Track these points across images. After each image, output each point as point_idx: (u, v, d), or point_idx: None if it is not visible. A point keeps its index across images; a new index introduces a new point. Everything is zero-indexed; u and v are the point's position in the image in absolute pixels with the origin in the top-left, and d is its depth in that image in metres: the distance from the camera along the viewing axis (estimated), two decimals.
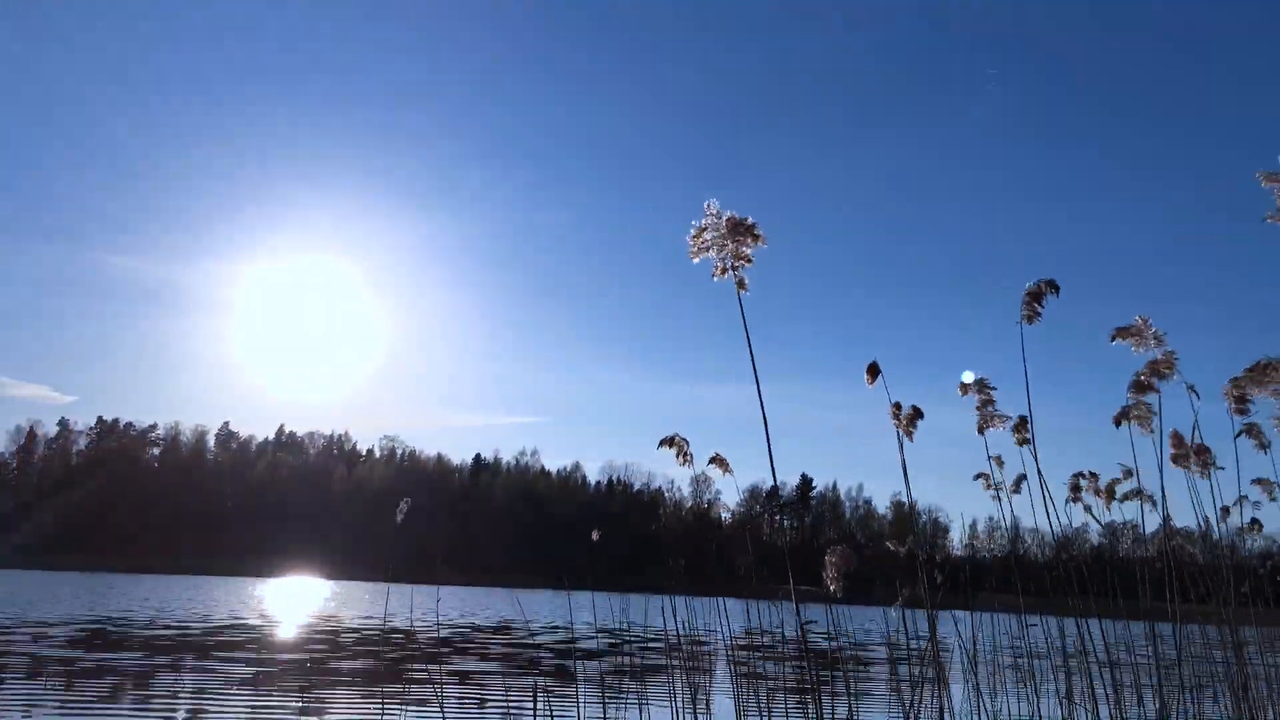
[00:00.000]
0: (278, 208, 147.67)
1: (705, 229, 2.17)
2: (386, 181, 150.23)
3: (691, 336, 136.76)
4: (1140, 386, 3.26)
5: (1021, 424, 3.48)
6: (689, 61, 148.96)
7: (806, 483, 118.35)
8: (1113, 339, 3.15)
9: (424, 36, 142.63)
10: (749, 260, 2.15)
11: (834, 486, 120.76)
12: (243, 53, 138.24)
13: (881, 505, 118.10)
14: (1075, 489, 3.80)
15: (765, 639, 5.61)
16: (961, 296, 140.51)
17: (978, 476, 4.33)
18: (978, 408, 3.41)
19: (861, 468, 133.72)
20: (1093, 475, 3.83)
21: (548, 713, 8.08)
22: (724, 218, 2.16)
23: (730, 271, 2.15)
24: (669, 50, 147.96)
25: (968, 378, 3.28)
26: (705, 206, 2.17)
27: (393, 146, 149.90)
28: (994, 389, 3.45)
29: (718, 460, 4.01)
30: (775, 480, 2.47)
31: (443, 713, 8.50)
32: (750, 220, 2.15)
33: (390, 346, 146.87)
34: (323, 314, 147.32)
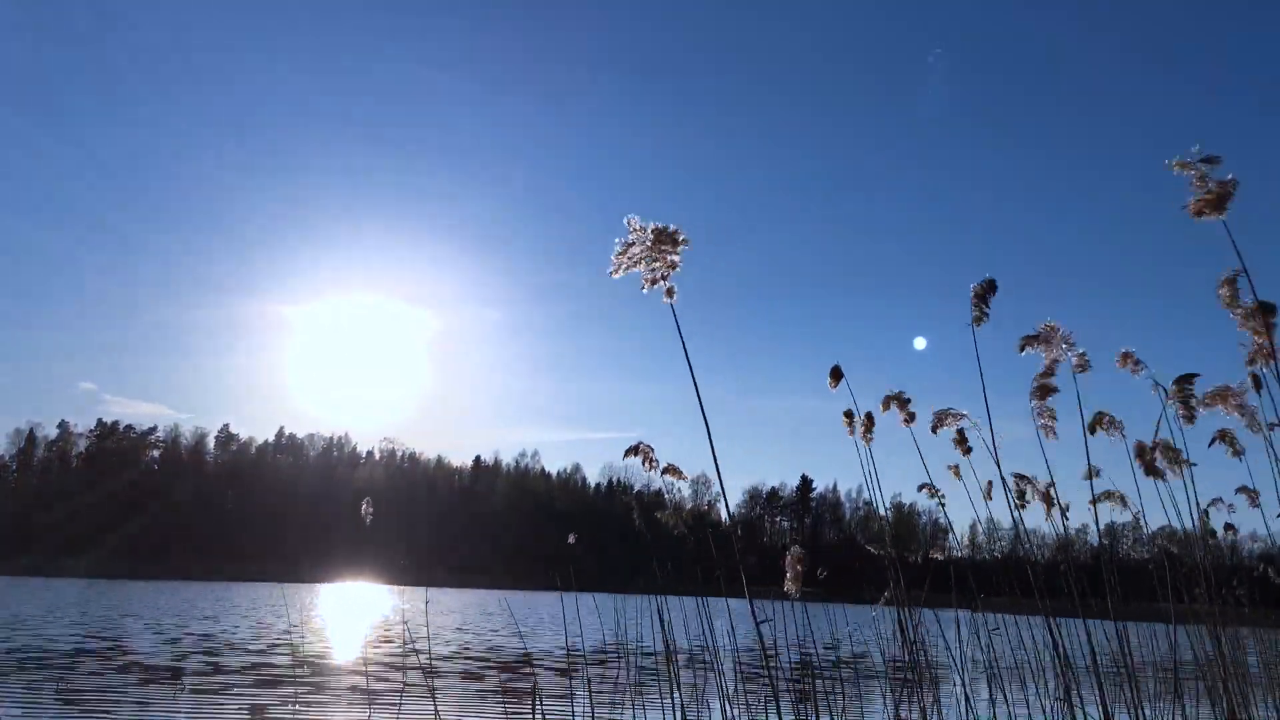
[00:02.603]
0: (327, 239, 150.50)
1: (633, 244, 2.23)
2: (404, 200, 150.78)
3: (696, 338, 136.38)
4: (1044, 391, 2.99)
5: (961, 436, 3.47)
6: (672, 69, 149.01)
7: (806, 484, 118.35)
8: (1022, 349, 2.90)
9: (464, 77, 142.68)
10: (676, 267, 2.23)
11: (834, 487, 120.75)
12: (281, 92, 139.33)
13: (882, 506, 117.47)
14: (1021, 495, 3.67)
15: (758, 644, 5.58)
16: (962, 297, 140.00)
17: (921, 488, 4.32)
18: (903, 422, 3.43)
19: (861, 469, 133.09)
20: (1022, 478, 3.70)
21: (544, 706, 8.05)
22: (649, 229, 2.23)
23: (661, 281, 2.22)
24: (660, 66, 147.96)
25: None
26: (627, 222, 2.23)
27: (394, 153, 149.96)
28: (909, 399, 3.48)
29: (671, 470, 4.19)
30: (722, 485, 2.56)
31: (436, 713, 8.46)
32: (673, 228, 2.23)
33: (428, 363, 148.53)
34: (385, 343, 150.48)
